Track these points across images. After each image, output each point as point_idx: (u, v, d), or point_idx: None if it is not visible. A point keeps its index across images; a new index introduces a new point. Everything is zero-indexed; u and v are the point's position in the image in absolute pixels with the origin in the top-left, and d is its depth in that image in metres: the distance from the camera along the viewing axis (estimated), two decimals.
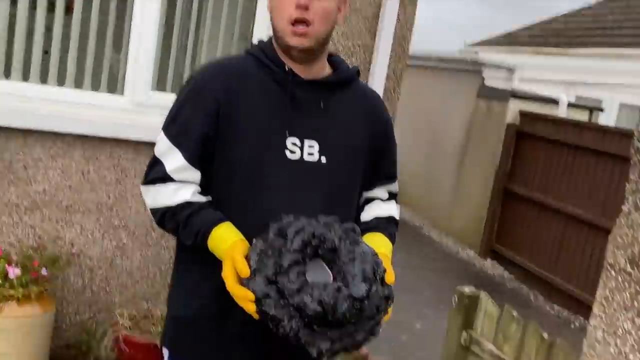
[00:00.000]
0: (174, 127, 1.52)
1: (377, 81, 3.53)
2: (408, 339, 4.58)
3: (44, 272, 2.86)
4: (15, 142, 2.89)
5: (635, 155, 1.42)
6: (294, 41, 1.48)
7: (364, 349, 3.70)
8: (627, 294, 1.43)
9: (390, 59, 3.52)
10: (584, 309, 5.24)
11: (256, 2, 3.40)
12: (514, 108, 6.77)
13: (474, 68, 7.64)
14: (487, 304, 2.46)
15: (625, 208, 1.45)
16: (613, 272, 1.48)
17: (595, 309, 1.54)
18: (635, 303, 1.40)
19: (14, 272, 2.76)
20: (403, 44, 3.55)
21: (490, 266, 6.73)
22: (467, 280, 5.91)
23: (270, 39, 1.59)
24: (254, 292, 1.35)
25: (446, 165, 7.78)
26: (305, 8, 1.45)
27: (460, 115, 7.62)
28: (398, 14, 3.43)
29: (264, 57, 1.56)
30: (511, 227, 6.63)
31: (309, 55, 1.52)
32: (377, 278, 1.42)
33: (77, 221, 3.10)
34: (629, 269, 1.43)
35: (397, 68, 3.62)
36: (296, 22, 1.47)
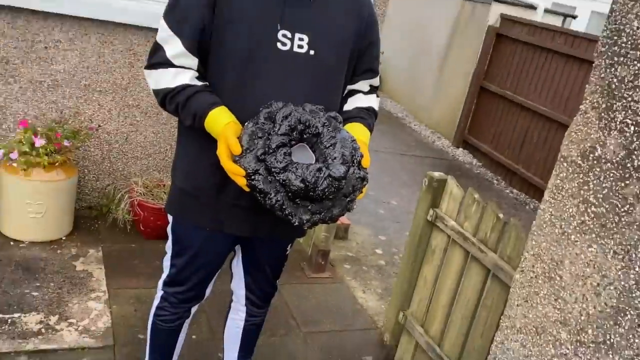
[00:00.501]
0: (173, 16, 1.52)
1: None
2: (385, 213, 4.88)
3: (66, 143, 3.02)
4: (36, 24, 2.94)
5: (598, 59, 1.48)
6: None
7: (346, 220, 4.02)
8: (576, 183, 1.52)
9: None
10: (539, 193, 5.72)
11: None
12: (495, 11, 6.96)
13: None
14: (452, 187, 2.61)
15: (582, 107, 1.51)
16: (565, 164, 1.57)
17: (546, 195, 1.63)
18: (582, 192, 1.51)
19: (39, 142, 2.93)
20: None
21: (461, 154, 7.17)
22: (440, 167, 6.54)
23: None
24: (244, 168, 1.38)
25: (430, 64, 8.12)
26: None
27: (446, 17, 7.82)
28: None
29: None
30: (483, 120, 7.00)
31: None
32: (355, 161, 1.45)
33: (95, 99, 3.21)
34: (579, 161, 1.52)
35: None
36: None
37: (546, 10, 7.80)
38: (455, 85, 7.46)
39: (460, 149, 7.27)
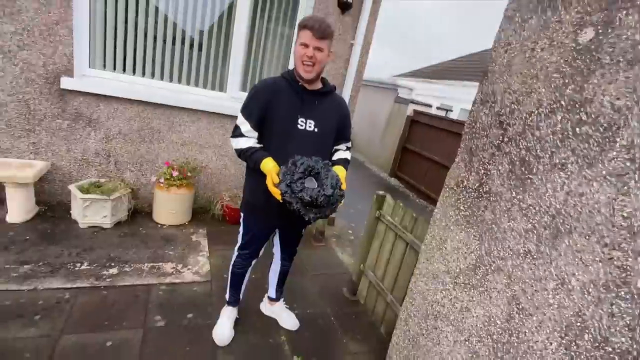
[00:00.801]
0: (245, 110, 2.01)
1: (346, 92, 4.41)
2: (353, 212, 6.33)
3: (189, 174, 4.14)
4: (174, 112, 4.08)
5: (464, 134, 1.87)
6: (304, 74, 2.02)
7: (333, 216, 5.30)
8: (453, 199, 1.94)
9: (353, 81, 4.43)
10: (434, 202, 8.06)
11: (291, 46, 4.30)
12: (411, 107, 10.51)
13: (394, 87, 11.95)
14: (389, 199, 3.19)
15: (457, 159, 1.92)
16: (447, 188, 2.00)
17: (438, 204, 2.09)
18: (456, 203, 1.89)
19: (174, 173, 4.05)
20: (360, 73, 4.45)
21: (394, 181, 9.98)
22: (382, 187, 9.38)
23: (294, 69, 2.08)
24: (280, 190, 1.76)
25: (377, 133, 11.75)
26: (310, 58, 1.97)
27: (385, 111, 11.50)
28: (359, 58, 4.39)
29: (290, 78, 2.05)
30: (405, 163, 10.05)
31: (311, 80, 2.02)
32: (338, 186, 1.83)
33: (205, 151, 4.40)
34: (454, 187, 1.92)
35: (356, 86, 4.50)
36: (305, 63, 1.99)
37: (437, 108, 12.51)
38: (391, 144, 10.79)
39: (393, 178, 10.28)
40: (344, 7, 4.15)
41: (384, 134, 11.35)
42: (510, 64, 1.89)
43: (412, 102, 10.57)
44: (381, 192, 3.40)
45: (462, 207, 1.93)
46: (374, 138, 11.79)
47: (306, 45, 2.08)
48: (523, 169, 1.80)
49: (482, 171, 1.83)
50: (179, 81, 4.33)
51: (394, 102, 11.18)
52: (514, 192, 1.81)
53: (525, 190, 1.79)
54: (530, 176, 1.79)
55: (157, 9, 3.93)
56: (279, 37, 4.49)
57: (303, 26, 2.09)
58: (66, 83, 3.75)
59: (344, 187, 2.03)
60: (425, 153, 9.13)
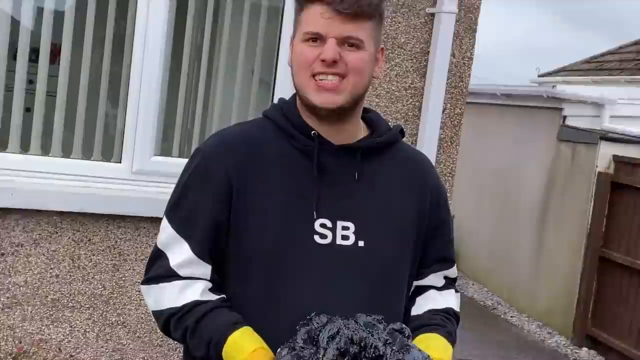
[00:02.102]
0: (178, 212, 1.48)
1: (429, 131, 3.31)
2: None
3: None
4: None
5: None
6: (320, 99, 1.39)
7: None
8: None
9: (444, 102, 3.28)
10: None
11: (279, 40, 3.16)
12: (605, 153, 6.18)
13: (552, 104, 6.92)
14: None
15: None
16: None
17: None
18: None
19: None
20: (460, 82, 3.29)
21: (586, 355, 6.06)
22: None
23: (293, 96, 1.52)
24: None
25: (523, 228, 7.14)
26: (333, 63, 1.38)
27: (538, 165, 7.00)
28: (452, 47, 3.16)
29: (285, 121, 1.49)
30: (611, 304, 5.98)
31: (339, 115, 1.44)
32: None
33: (66, 318, 2.89)
34: None
35: (454, 112, 3.32)
36: (319, 73, 1.39)
37: None
38: (563, 256, 6.44)
39: (585, 348, 6.17)
40: None
41: (540, 229, 7.01)
42: None
43: (606, 137, 6.40)
44: None
45: None
46: (515, 241, 7.39)
47: (319, 38, 1.42)
48: None
49: None
50: (4, 146, 3.19)
51: (557, 140, 6.82)
52: None
53: None
54: None
55: None
56: (247, 32, 3.49)
57: None
58: None
59: None
60: None
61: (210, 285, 1.44)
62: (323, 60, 1.35)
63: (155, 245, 1.49)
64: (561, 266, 6.44)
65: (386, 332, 1.36)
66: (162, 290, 1.45)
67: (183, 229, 1.45)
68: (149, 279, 1.48)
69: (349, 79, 1.39)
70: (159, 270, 1.46)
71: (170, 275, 1.44)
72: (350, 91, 1.39)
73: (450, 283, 1.67)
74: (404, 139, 1.63)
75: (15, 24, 3.20)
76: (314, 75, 1.39)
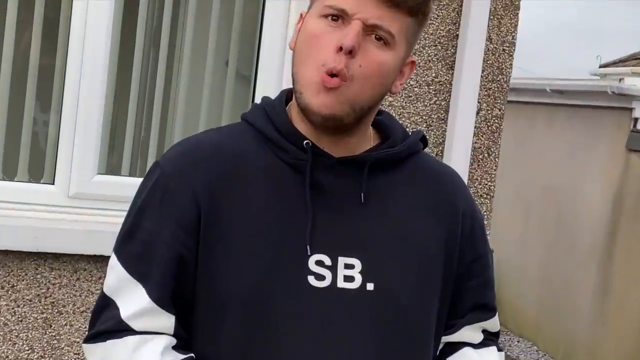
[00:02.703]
0: (131, 247, 1.36)
1: (458, 139, 3.01)
2: None
3: None
4: None
5: None
6: (317, 100, 1.26)
7: None
8: None
9: (479, 100, 2.94)
10: None
11: (261, 22, 2.89)
12: None
13: (619, 103, 6.03)
14: None
15: None
16: None
17: None
18: None
19: None
20: (500, 75, 3.00)
21: None
22: None
23: (281, 95, 1.41)
24: None
25: (582, 263, 6.33)
26: (349, 53, 1.24)
27: (601, 182, 6.26)
28: (488, 30, 2.89)
29: (270, 127, 1.39)
30: None
31: (338, 129, 1.33)
32: None
33: None
34: None
35: (492, 115, 2.96)
36: (328, 65, 1.27)
37: None
38: (635, 298, 5.71)
39: None
40: None
41: (605, 271, 6.11)
42: None
43: None
44: None
45: None
46: (572, 284, 6.42)
47: (341, 17, 1.26)
48: None
49: None
50: None
51: (626, 150, 6.03)
52: None
53: None
54: None
55: None
56: (219, 13, 3.13)
57: None
58: None
59: None
60: None
61: (174, 341, 1.31)
62: (340, 48, 1.21)
63: (102, 291, 1.39)
64: (634, 312, 5.71)
65: None
66: (111, 350, 1.34)
67: (137, 268, 1.34)
68: (94, 336, 1.35)
69: (354, 83, 1.25)
70: (107, 323, 1.35)
71: (122, 330, 1.33)
72: (350, 100, 1.25)
73: (490, 338, 1.52)
74: (426, 149, 1.51)
75: None
76: (322, 64, 1.25)
